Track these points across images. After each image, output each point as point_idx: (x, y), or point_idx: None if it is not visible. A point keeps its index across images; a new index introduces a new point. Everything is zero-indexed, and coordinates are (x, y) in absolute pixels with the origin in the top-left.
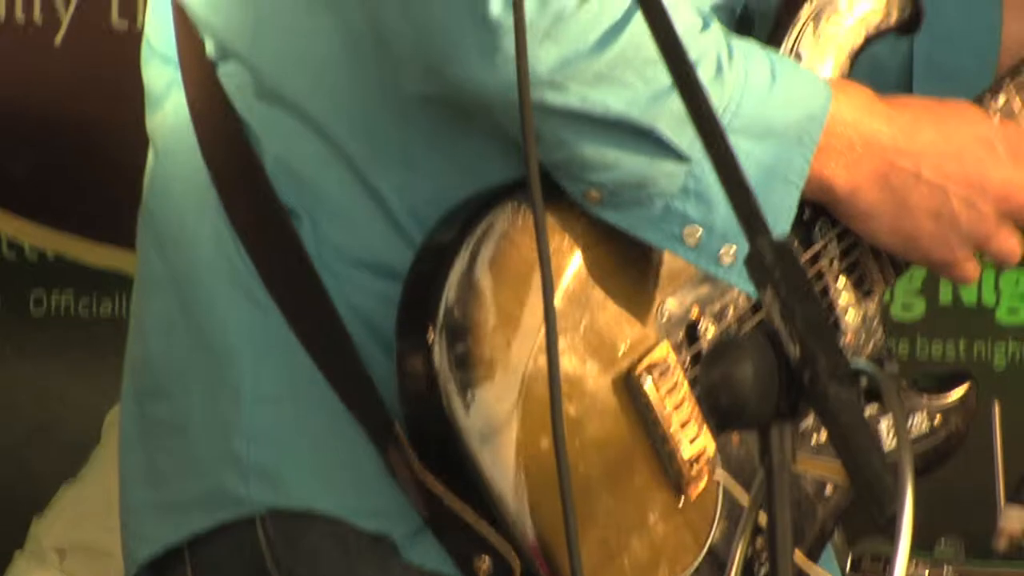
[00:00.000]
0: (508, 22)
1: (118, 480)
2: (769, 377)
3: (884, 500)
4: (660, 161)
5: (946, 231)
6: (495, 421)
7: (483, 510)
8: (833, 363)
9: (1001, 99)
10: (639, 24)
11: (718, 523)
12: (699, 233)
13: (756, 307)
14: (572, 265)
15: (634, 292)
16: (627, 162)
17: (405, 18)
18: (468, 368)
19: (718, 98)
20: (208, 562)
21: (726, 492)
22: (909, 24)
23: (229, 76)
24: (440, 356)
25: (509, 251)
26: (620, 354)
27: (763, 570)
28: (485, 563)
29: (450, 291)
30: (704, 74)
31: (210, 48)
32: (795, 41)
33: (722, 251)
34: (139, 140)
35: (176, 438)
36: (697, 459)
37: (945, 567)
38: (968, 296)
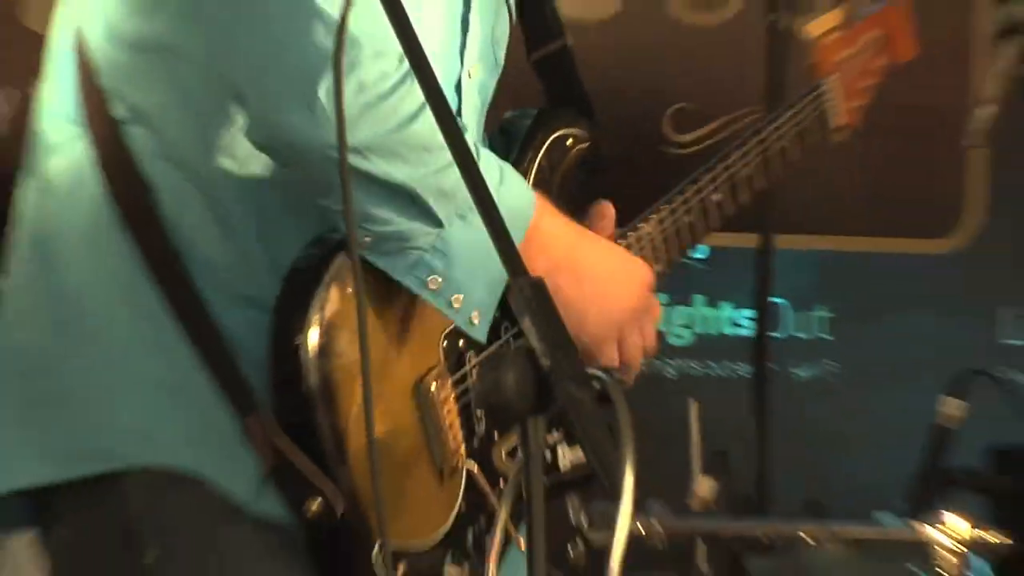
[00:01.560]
0: (330, 106)
1: None
2: (527, 382)
3: (614, 473)
4: (421, 223)
5: (608, 324)
6: (340, 402)
7: (319, 464)
8: (573, 371)
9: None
10: (427, 118)
11: (462, 499)
12: (440, 281)
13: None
14: (387, 300)
15: (424, 324)
16: (397, 220)
17: (258, 97)
18: (326, 359)
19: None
20: (68, 514)
21: (471, 478)
22: (599, 162)
23: (135, 137)
24: (305, 353)
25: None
26: (413, 367)
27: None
28: (316, 503)
29: (315, 308)
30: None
31: (120, 110)
32: (535, 161)
33: (453, 298)
34: None
35: (58, 404)
36: (456, 452)
37: (653, 520)
38: None
